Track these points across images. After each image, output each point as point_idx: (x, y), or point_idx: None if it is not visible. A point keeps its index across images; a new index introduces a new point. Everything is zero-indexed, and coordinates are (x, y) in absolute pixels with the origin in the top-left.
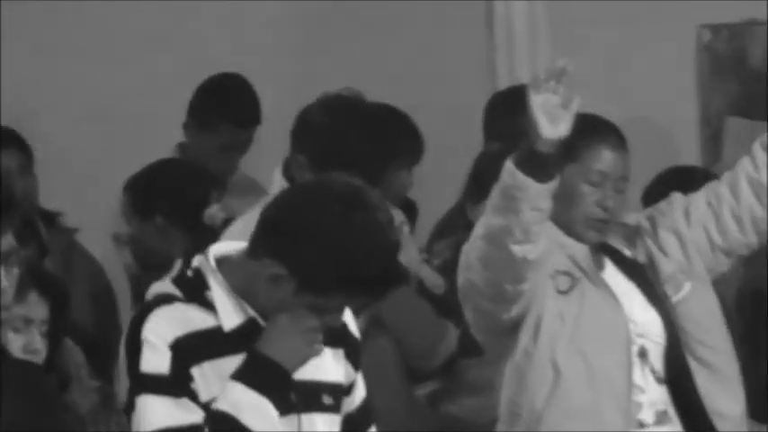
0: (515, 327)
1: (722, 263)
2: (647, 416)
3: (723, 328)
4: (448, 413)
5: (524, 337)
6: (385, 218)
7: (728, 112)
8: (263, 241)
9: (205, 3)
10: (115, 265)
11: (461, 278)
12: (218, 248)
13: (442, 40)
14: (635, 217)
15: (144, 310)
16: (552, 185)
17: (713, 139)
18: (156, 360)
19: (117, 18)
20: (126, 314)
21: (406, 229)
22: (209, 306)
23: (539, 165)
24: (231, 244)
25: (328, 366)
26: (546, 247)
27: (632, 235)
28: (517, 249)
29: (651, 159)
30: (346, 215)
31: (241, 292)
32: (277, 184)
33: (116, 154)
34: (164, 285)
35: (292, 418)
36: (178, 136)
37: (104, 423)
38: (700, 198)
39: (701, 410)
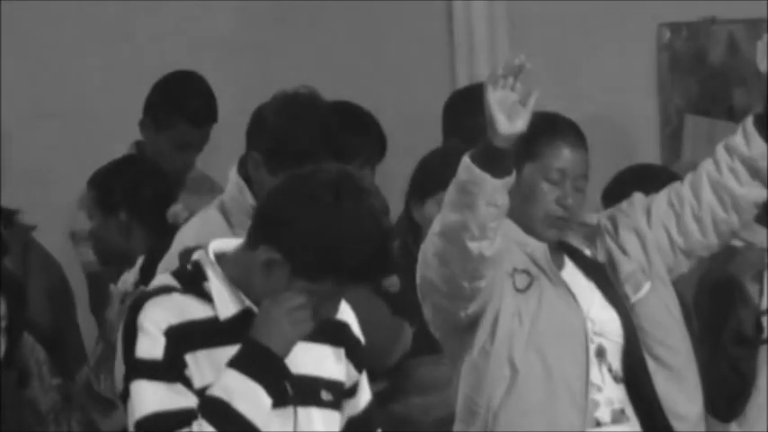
0: (473, 324)
1: (682, 263)
2: (603, 414)
3: (682, 328)
4: (395, 412)
5: (482, 335)
6: (377, 204)
7: (688, 110)
8: (258, 230)
9: (163, 1)
10: (72, 262)
11: (420, 276)
12: (217, 244)
13: (402, 39)
14: (595, 216)
15: (141, 298)
16: (509, 181)
17: (673, 137)
18: (150, 346)
19: (73, 15)
20: (83, 312)
21: None
22: (206, 297)
23: (495, 160)
24: (230, 241)
25: (329, 363)
26: (503, 245)
27: (592, 234)
28: (473, 246)
29: (611, 157)
30: (337, 201)
31: (238, 282)
32: (232, 182)
33: (72, 152)
34: (163, 278)
35: (288, 410)
36: (134, 134)
37: (65, 421)
38: (661, 198)
39: (659, 410)
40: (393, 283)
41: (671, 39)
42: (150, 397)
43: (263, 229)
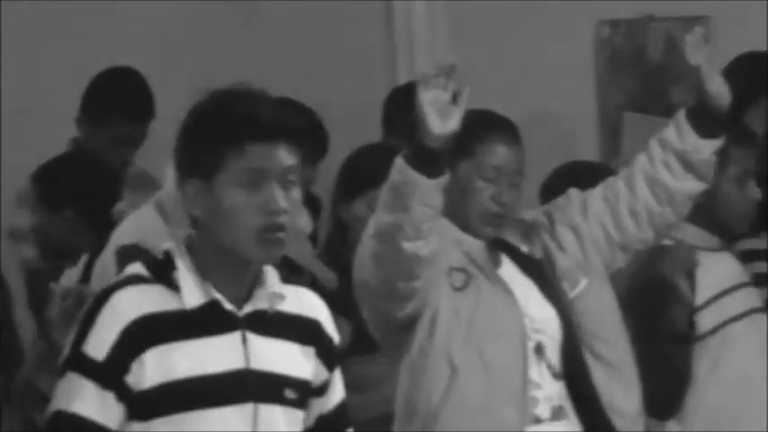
0: (411, 324)
1: (619, 258)
2: (543, 411)
3: (620, 323)
4: None
5: (420, 335)
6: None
7: (627, 107)
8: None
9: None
10: (8, 259)
11: (356, 277)
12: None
13: (343, 35)
14: (531, 213)
15: (111, 288)
16: (442, 181)
17: (612, 134)
18: (97, 343)
19: (8, 13)
20: (21, 311)
21: (301, 223)
22: (174, 287)
23: (428, 161)
24: None
25: (295, 361)
26: (438, 244)
27: (529, 231)
28: (408, 246)
29: (550, 154)
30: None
31: (208, 273)
32: (170, 178)
33: (7, 149)
34: (134, 267)
35: (248, 407)
36: (71, 130)
37: (8, 421)
38: (597, 194)
39: (598, 406)
40: (330, 279)
41: (610, 36)
42: (77, 396)
43: (178, 168)
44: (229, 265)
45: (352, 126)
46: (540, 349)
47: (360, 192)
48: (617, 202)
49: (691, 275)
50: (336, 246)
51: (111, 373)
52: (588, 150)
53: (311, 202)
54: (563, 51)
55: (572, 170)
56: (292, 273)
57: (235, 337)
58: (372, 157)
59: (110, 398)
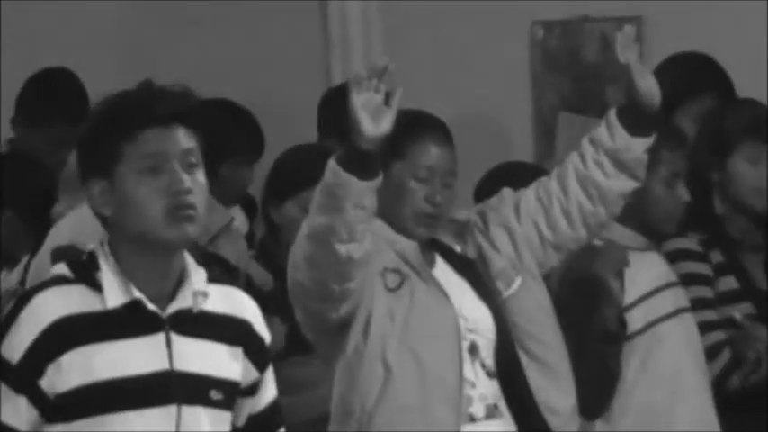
0: (345, 325)
1: (552, 258)
2: (477, 410)
3: (554, 322)
4: None
5: (355, 336)
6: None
7: (561, 107)
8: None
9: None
10: None
11: (290, 278)
12: None
13: (277, 36)
14: (464, 213)
15: (33, 289)
16: (375, 183)
17: (546, 134)
18: (12, 346)
19: None
20: None
21: (236, 225)
22: (97, 287)
23: (361, 163)
24: None
25: (221, 362)
26: (372, 245)
27: (462, 231)
28: (342, 248)
29: (486, 155)
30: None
31: (131, 273)
32: None
33: None
34: (58, 267)
35: (171, 408)
36: (6, 131)
37: None
38: (530, 193)
39: (532, 404)
40: (266, 281)
41: (544, 36)
42: None
43: (80, 174)
44: (149, 260)
45: (288, 127)
46: (474, 349)
47: (291, 193)
48: (550, 201)
49: (621, 275)
50: (269, 247)
51: (23, 377)
52: (523, 151)
53: (247, 203)
54: (498, 52)
55: (506, 171)
56: (228, 273)
57: (158, 337)
58: (303, 158)
59: (21, 402)
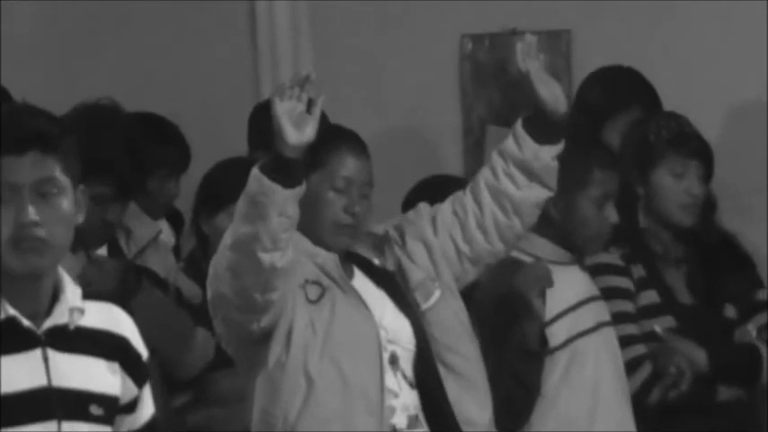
0: (265, 338)
1: (470, 271)
2: (400, 420)
3: (471, 335)
4: (196, 424)
5: (276, 348)
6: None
7: (490, 120)
8: None
9: None
10: None
11: (210, 290)
12: None
13: (205, 47)
14: (382, 226)
15: None
16: (299, 191)
17: (475, 147)
18: None
19: None
20: None
21: (163, 237)
22: None
23: (285, 170)
24: None
25: (100, 377)
26: (294, 256)
27: (381, 243)
28: (265, 257)
29: (415, 168)
30: None
31: (3, 291)
32: None
33: None
34: None
35: (51, 423)
36: None
37: None
38: (446, 207)
39: (450, 416)
40: (195, 293)
41: (473, 49)
42: None
43: None
44: (17, 281)
45: (216, 138)
46: (394, 360)
47: (223, 205)
48: (465, 215)
49: (543, 291)
50: (199, 259)
51: None
52: (452, 163)
53: (174, 216)
54: (427, 65)
55: (435, 183)
56: (158, 286)
57: (35, 354)
58: (235, 170)
59: None
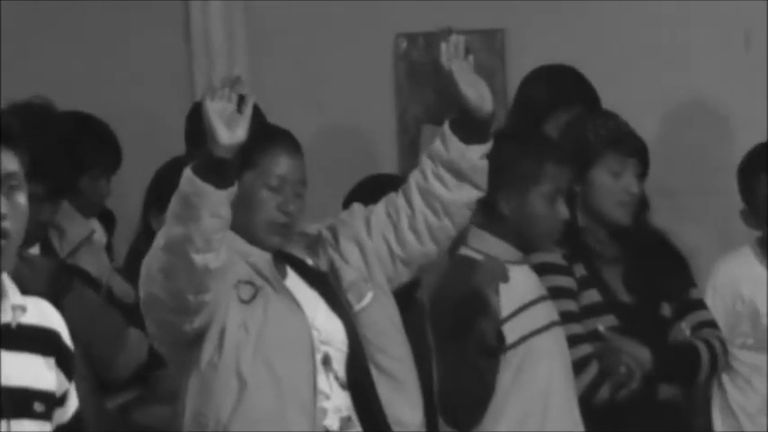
0: (198, 338)
1: (402, 273)
2: (332, 422)
3: (403, 338)
4: (139, 423)
5: (209, 348)
6: None
7: (425, 119)
8: None
9: None
10: None
11: (143, 291)
12: None
13: (139, 46)
14: (315, 227)
15: None
16: (232, 192)
17: (411, 146)
18: None
19: None
20: None
21: (96, 237)
22: None
23: (218, 171)
24: None
25: (40, 373)
26: (227, 257)
27: (314, 244)
28: (199, 258)
29: (351, 166)
30: None
31: None
32: None
33: None
34: None
35: None
36: None
37: None
38: (380, 209)
39: (382, 417)
40: (128, 294)
41: (408, 49)
42: None
43: None
44: None
45: (149, 137)
46: (327, 360)
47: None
48: (398, 217)
49: (497, 289)
50: (141, 254)
51: None
52: (388, 162)
53: (105, 216)
54: (362, 64)
55: (373, 183)
56: (90, 286)
57: None
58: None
59: None
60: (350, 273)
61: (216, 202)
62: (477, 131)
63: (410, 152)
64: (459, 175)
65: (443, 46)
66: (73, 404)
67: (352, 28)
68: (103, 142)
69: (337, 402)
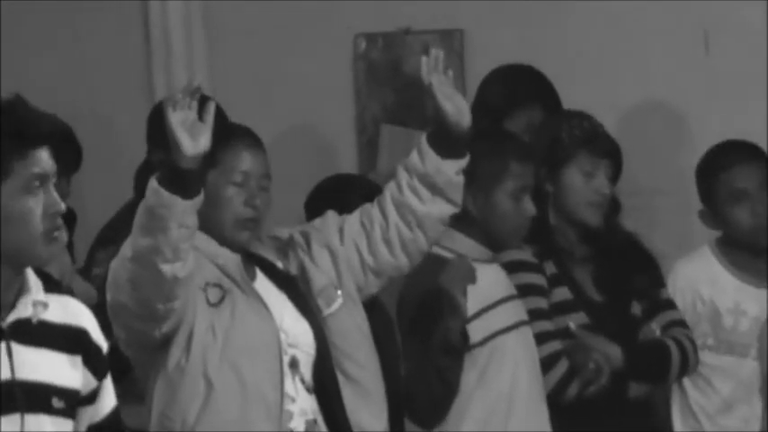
0: (166, 342)
1: (372, 283)
2: (298, 425)
3: (371, 345)
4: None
5: (176, 351)
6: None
7: (384, 119)
8: None
9: None
10: None
11: (110, 297)
12: None
13: (98, 46)
14: (287, 230)
15: None
16: (198, 201)
17: (369, 145)
18: None
19: None
20: None
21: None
22: None
23: (183, 181)
24: None
25: (62, 370)
26: (194, 263)
27: (284, 247)
28: (167, 268)
29: (310, 166)
30: None
31: None
32: None
33: None
34: None
35: (15, 416)
36: None
37: None
38: (354, 218)
39: (346, 423)
40: (91, 296)
41: (366, 48)
42: None
43: None
44: None
45: (108, 138)
46: (294, 364)
47: None
48: (371, 227)
49: (465, 289)
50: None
51: None
52: (347, 162)
53: (67, 216)
54: (321, 64)
55: (334, 183)
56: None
57: None
58: (149, 171)
59: None
60: (320, 278)
61: (183, 212)
62: (454, 146)
63: (369, 151)
64: (434, 189)
65: (423, 60)
66: (108, 403)
67: (311, 28)
68: (63, 142)
69: (303, 405)
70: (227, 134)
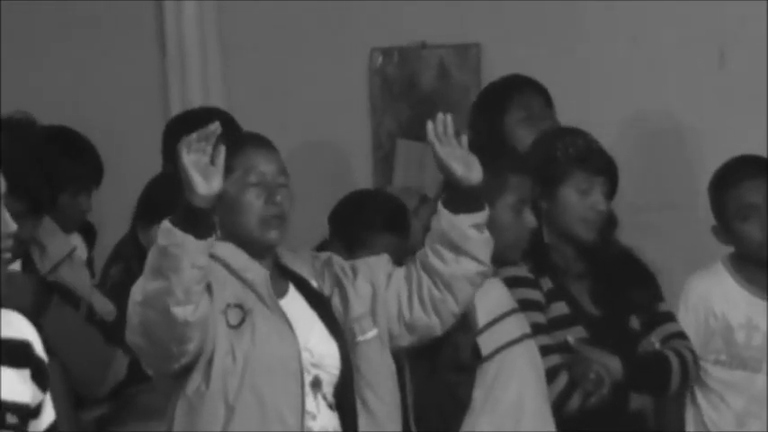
0: (186, 370)
1: (404, 336)
2: None
3: (395, 384)
4: None
5: (197, 377)
6: None
7: (399, 134)
8: None
9: None
10: None
11: (127, 339)
12: None
13: (115, 63)
14: (327, 253)
15: None
16: (210, 242)
17: (385, 160)
18: None
19: None
20: None
21: (77, 253)
22: None
23: (196, 221)
24: None
25: (12, 386)
26: (207, 308)
27: (321, 267)
28: (179, 311)
29: (326, 181)
30: None
31: None
32: None
33: None
34: None
35: None
36: None
37: None
38: (402, 270)
39: None
40: (109, 311)
41: (383, 63)
42: None
43: None
44: None
45: (126, 154)
46: (317, 383)
47: (159, 218)
48: (411, 283)
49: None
50: (134, 270)
51: None
52: (363, 177)
53: (87, 231)
54: (336, 79)
55: (358, 198)
56: (71, 303)
57: None
58: (176, 183)
59: None
60: (361, 306)
61: (195, 252)
62: (465, 201)
63: (384, 166)
64: (453, 247)
65: (429, 125)
66: (48, 416)
67: (326, 42)
68: (84, 157)
69: (324, 422)
70: (237, 142)
